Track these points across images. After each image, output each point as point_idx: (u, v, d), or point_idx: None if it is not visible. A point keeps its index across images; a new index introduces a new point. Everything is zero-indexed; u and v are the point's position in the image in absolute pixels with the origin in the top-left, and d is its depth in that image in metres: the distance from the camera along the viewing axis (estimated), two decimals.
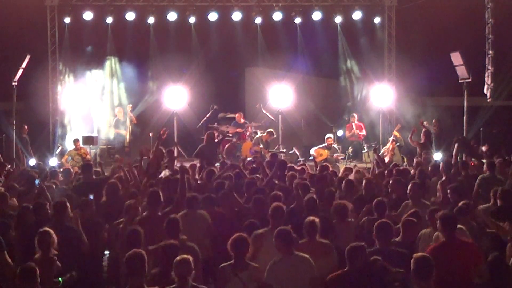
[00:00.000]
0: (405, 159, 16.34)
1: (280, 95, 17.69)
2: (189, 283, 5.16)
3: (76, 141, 15.70)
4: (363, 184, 8.62)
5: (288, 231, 5.83)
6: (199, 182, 9.68)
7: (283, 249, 5.77)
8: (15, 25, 16.84)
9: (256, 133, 17.07)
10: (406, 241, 6.39)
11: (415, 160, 12.49)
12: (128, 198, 7.67)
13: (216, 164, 11.68)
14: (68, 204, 6.97)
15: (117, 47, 18.42)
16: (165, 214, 6.85)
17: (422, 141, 14.27)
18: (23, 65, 15.41)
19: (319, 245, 6.22)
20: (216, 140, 13.25)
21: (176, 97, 17.49)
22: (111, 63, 18.49)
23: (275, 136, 16.71)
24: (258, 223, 6.65)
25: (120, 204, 7.38)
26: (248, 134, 17.13)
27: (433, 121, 16.88)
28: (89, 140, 16.40)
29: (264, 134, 16.59)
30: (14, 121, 15.23)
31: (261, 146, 16.30)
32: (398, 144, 16.41)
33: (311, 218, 6.23)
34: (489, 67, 16.32)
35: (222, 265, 5.75)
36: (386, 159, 15.07)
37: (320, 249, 6.16)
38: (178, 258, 5.18)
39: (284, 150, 16.96)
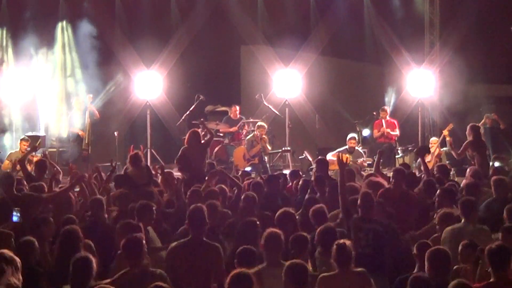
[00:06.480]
0: (452, 169, 14.71)
1: (287, 82, 16.64)
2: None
3: (24, 141, 14.36)
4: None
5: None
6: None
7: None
8: None
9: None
10: None
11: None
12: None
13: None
14: None
15: (73, 16, 16.49)
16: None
17: (470, 139, 12.17)
18: None
19: (353, 275, 5.87)
20: (202, 141, 11.89)
21: (149, 85, 16.42)
22: (64, 38, 16.58)
23: (266, 127, 15.39)
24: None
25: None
26: (244, 133, 15.73)
27: (485, 116, 15.88)
28: (34, 140, 14.70)
29: (255, 132, 15.31)
30: None
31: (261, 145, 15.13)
32: (445, 149, 14.87)
33: (343, 242, 6.01)
34: None
35: None
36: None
37: (355, 281, 5.81)
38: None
39: (289, 148, 15.95)
